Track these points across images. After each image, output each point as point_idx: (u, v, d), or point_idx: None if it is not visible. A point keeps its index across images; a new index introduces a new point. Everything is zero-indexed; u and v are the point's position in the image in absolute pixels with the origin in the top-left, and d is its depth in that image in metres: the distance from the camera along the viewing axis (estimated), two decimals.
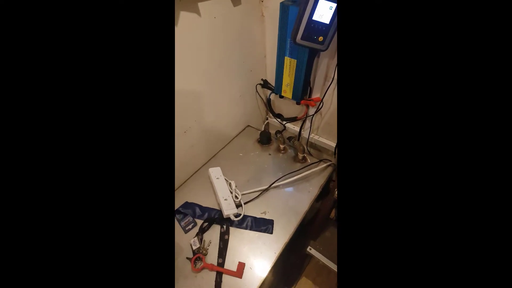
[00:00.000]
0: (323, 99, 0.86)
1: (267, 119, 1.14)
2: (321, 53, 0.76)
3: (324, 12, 0.60)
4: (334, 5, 0.58)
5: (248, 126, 1.08)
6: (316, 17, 0.61)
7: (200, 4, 0.62)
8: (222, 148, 0.99)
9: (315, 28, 0.62)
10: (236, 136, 1.04)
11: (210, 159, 0.96)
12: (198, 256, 0.69)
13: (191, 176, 0.91)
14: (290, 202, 0.80)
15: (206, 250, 0.71)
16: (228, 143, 1.01)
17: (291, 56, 0.76)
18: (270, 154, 0.96)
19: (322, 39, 0.64)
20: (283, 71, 0.82)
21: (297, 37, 0.65)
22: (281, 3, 0.67)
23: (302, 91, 0.84)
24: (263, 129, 1.04)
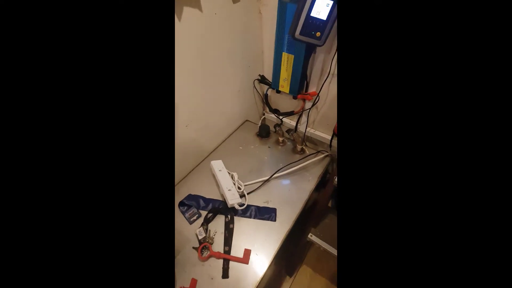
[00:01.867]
0: (319, 93, 0.90)
1: (264, 114, 1.17)
2: (318, 48, 0.79)
3: (321, 9, 0.63)
4: (331, 2, 0.61)
5: (247, 120, 1.11)
6: (314, 13, 0.64)
7: (202, 0, 0.64)
8: (222, 142, 1.02)
9: (313, 24, 0.66)
10: (236, 130, 1.07)
11: (211, 153, 0.98)
12: (204, 245, 0.71)
13: (193, 169, 0.92)
14: (291, 191, 0.84)
15: (212, 239, 0.73)
16: (228, 137, 1.04)
17: (289, 51, 0.80)
18: (269, 147, 0.99)
19: (319, 34, 0.67)
20: (281, 66, 0.85)
21: (296, 32, 0.68)
22: (279, 1, 0.70)
23: (299, 86, 0.87)
24: (260, 123, 1.07)
